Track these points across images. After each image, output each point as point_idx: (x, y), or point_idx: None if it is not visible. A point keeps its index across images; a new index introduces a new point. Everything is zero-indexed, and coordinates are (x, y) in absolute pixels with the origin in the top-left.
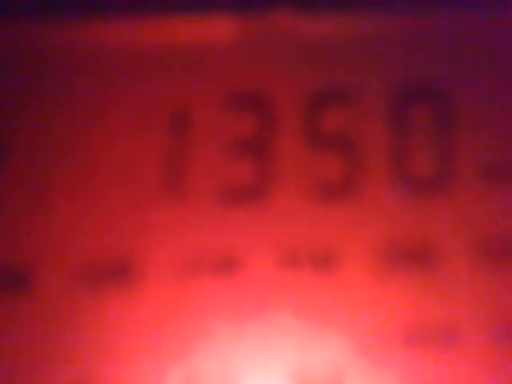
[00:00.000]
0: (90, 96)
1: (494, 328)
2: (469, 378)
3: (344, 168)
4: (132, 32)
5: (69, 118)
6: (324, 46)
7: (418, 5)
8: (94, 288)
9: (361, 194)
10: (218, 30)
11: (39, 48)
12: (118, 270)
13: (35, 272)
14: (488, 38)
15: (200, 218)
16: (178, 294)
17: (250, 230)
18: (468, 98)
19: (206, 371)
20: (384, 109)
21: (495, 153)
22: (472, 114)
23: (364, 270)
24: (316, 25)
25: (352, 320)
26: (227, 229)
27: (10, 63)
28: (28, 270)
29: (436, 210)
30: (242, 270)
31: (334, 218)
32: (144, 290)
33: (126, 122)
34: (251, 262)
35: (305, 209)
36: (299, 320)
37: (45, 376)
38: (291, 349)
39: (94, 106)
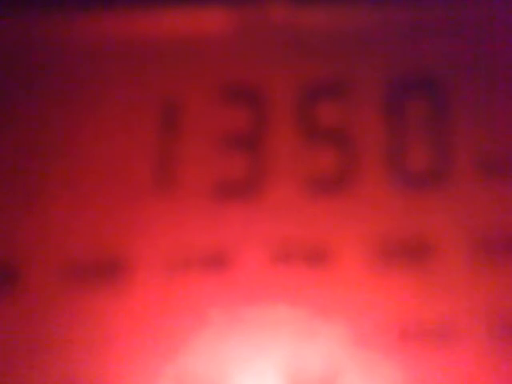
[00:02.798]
0: (81, 90)
1: (491, 323)
2: (466, 374)
3: (339, 162)
4: (125, 25)
5: (60, 114)
6: (319, 39)
7: None
8: (83, 285)
9: (356, 188)
10: (211, 22)
11: (32, 41)
12: (109, 267)
13: (25, 269)
14: (487, 29)
15: (191, 213)
16: (168, 291)
17: (242, 225)
18: (465, 91)
19: (198, 369)
20: (380, 102)
21: (493, 146)
22: (470, 106)
23: (359, 265)
24: (311, 17)
25: (347, 316)
26: (219, 224)
27: (2, 56)
28: (18, 268)
29: (433, 204)
30: (234, 267)
31: (329, 212)
32: (134, 287)
33: (117, 117)
34: (244, 258)
35: (299, 203)
36: (293, 317)
37: (35, 373)
38: (285, 346)
39: (86, 100)
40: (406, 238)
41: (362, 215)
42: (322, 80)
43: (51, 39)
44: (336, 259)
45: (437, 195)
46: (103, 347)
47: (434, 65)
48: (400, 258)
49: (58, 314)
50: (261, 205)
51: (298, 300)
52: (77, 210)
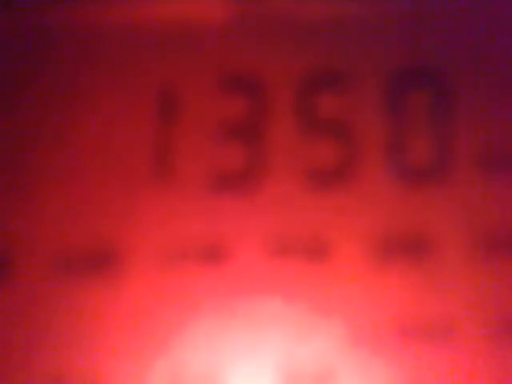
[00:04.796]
0: (78, 79)
1: (489, 321)
2: (464, 371)
3: (338, 154)
4: (122, 13)
5: (57, 105)
6: (319, 29)
7: None
8: (77, 277)
9: (355, 181)
10: (210, 10)
11: (29, 30)
12: (102, 259)
13: (17, 260)
14: (487, 21)
15: (188, 205)
16: (163, 284)
17: (240, 218)
18: (467, 84)
19: (192, 363)
20: (380, 94)
21: (494, 141)
22: (471, 100)
23: (358, 260)
24: (311, 7)
25: (345, 312)
26: (216, 217)
27: None
28: (9, 258)
29: (433, 199)
30: (231, 260)
31: (328, 206)
32: (128, 279)
33: (115, 107)
34: (241, 251)
35: (297, 196)
36: (290, 312)
37: (25, 367)
38: (281, 341)
39: (82, 90)
40: (405, 233)
41: (361, 209)
42: (321, 71)
43: (48, 27)
44: (334, 254)
45: (437, 189)
46: (96, 340)
47: (434, 57)
48: (399, 254)
49: (49, 307)
50: (259, 197)
51: (295, 295)
52: (71, 200)
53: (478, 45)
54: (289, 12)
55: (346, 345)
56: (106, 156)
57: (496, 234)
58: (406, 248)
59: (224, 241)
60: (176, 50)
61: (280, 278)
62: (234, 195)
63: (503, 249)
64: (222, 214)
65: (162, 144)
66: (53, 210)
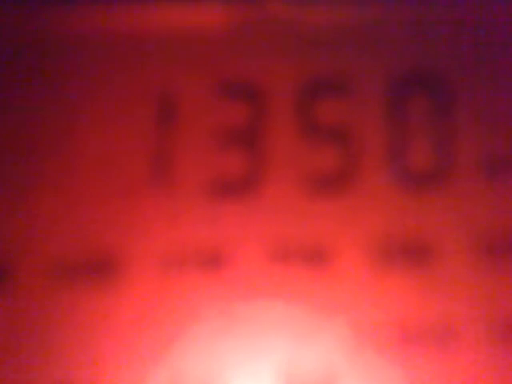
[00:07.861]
0: (78, 85)
1: (491, 325)
2: (465, 376)
3: (339, 160)
4: (122, 19)
5: (55, 110)
6: (318, 35)
7: None
8: (75, 284)
9: (356, 186)
10: (210, 16)
11: (28, 35)
12: (102, 265)
13: (15, 267)
14: (488, 26)
15: (188, 209)
16: (163, 290)
17: (240, 222)
18: (468, 88)
19: (193, 368)
20: (381, 99)
21: (496, 145)
22: (472, 104)
23: (359, 265)
24: (310, 13)
25: (346, 316)
26: (216, 221)
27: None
28: (8, 265)
29: (434, 203)
30: (231, 265)
31: (328, 211)
32: (128, 285)
33: (113, 112)
34: (241, 256)
35: (297, 201)
36: (290, 317)
37: (24, 375)
38: (282, 346)
39: (82, 95)
40: (407, 239)
41: (362, 214)
42: (322, 76)
43: (48, 33)
44: (335, 259)
45: (438, 194)
46: (95, 347)
47: (436, 62)
48: (400, 258)
49: (48, 314)
50: (259, 202)
51: (296, 300)
52: (70, 206)
53: (479, 49)
54: (289, 18)
55: (348, 350)
56: (106, 162)
57: (497, 238)
58: (407, 252)
59: (224, 247)
60: (176, 56)
61: (281, 283)
62: (235, 201)
63: (505, 252)
64: (222, 219)
65: (161, 150)
66: (52, 216)
